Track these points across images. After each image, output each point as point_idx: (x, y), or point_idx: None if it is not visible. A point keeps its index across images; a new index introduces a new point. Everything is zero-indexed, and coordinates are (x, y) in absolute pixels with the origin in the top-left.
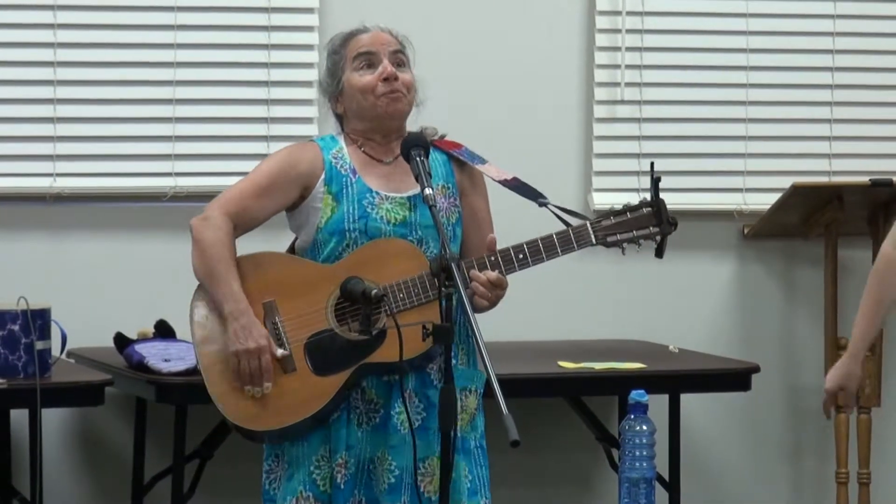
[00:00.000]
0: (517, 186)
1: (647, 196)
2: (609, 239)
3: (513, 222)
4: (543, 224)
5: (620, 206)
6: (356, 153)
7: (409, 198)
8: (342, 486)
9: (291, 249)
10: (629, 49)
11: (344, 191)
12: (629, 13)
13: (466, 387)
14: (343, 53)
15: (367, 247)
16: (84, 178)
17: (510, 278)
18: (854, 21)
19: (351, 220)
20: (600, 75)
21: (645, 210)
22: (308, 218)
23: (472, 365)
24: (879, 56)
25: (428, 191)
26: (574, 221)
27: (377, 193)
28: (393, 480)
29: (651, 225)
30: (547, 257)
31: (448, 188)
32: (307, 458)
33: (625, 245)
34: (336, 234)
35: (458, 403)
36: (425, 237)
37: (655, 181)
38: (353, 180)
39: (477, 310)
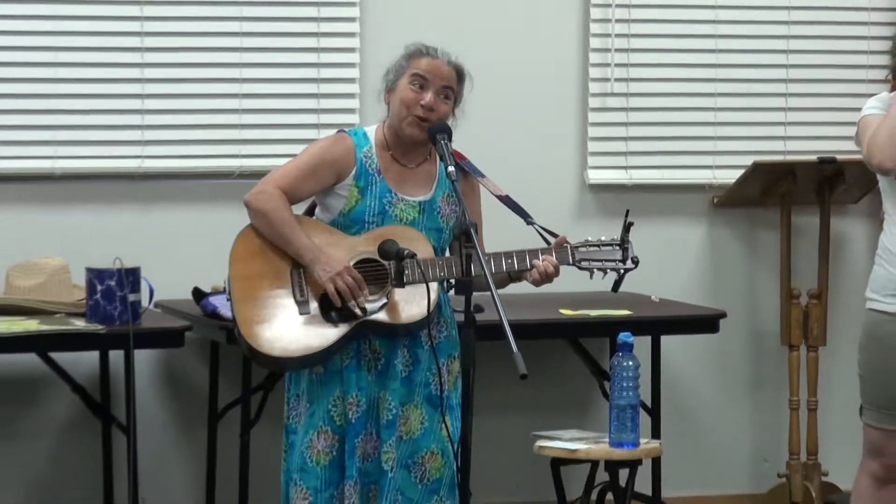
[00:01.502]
0: (509, 203)
1: (620, 232)
2: (583, 263)
3: (495, 232)
4: (522, 238)
5: (594, 240)
6: (383, 155)
7: (419, 202)
8: (353, 421)
9: (309, 212)
10: (618, 50)
11: (369, 187)
12: (618, 21)
13: (451, 353)
14: (408, 64)
15: (387, 227)
16: (166, 159)
17: None
18: (805, 26)
19: (371, 213)
20: (594, 72)
21: (615, 247)
22: (332, 200)
23: (454, 337)
24: (826, 55)
25: (451, 168)
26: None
27: (395, 194)
28: (391, 417)
29: (617, 260)
30: (530, 266)
31: (452, 197)
32: (325, 398)
33: (593, 272)
34: (357, 222)
35: (445, 367)
36: (428, 236)
37: (628, 225)
38: (378, 179)
39: (507, 282)
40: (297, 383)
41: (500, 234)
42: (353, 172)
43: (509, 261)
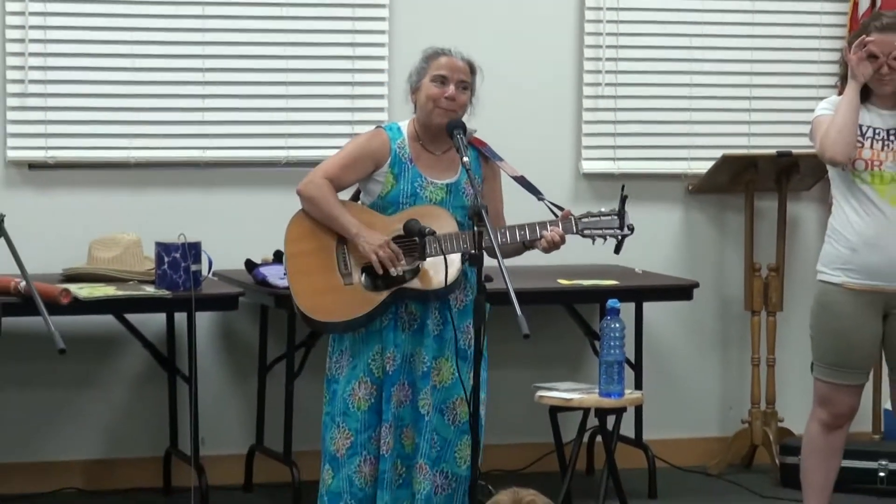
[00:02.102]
0: (523, 182)
1: (616, 204)
2: (585, 232)
3: (512, 207)
4: (531, 211)
5: (595, 211)
6: (414, 145)
7: (446, 184)
8: (390, 373)
9: (355, 197)
10: (608, 59)
11: (402, 174)
12: (608, 34)
13: (467, 320)
14: (428, 65)
15: (418, 207)
16: (223, 150)
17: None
18: (766, 39)
19: (404, 196)
20: (587, 78)
21: (613, 217)
22: (371, 186)
23: (469, 305)
24: (784, 64)
25: (466, 158)
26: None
27: (425, 179)
28: (425, 369)
29: (616, 227)
30: (540, 236)
31: (475, 181)
32: (366, 353)
33: (595, 238)
34: (392, 204)
35: (463, 328)
36: (454, 214)
37: (624, 197)
38: (410, 167)
39: (521, 251)
40: (340, 341)
41: (515, 208)
42: (389, 161)
43: (522, 232)
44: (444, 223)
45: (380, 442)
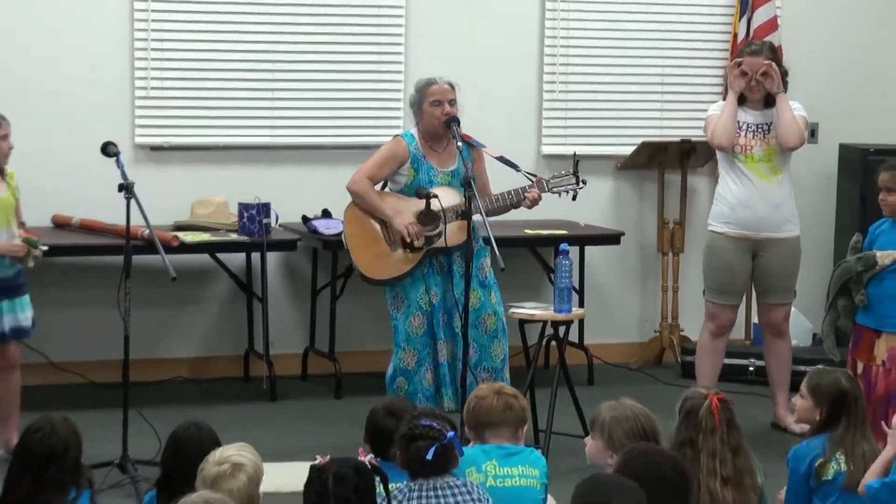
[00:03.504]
0: (504, 160)
1: (570, 167)
2: (553, 189)
3: (496, 180)
4: (511, 181)
5: (559, 172)
6: (424, 145)
7: (450, 171)
8: (436, 305)
9: (382, 186)
10: (561, 65)
11: (420, 168)
12: (561, 46)
13: (484, 255)
14: (425, 92)
15: (434, 188)
16: (286, 137)
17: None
18: (675, 59)
19: (423, 183)
20: (546, 82)
21: (570, 175)
22: (398, 178)
23: (480, 251)
24: (687, 78)
25: (460, 143)
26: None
27: (436, 169)
28: (457, 298)
29: (573, 184)
30: (524, 197)
31: (468, 164)
32: (415, 294)
33: (560, 193)
34: (415, 190)
35: (479, 265)
36: (459, 190)
37: (576, 161)
38: (424, 162)
39: (510, 209)
40: (391, 288)
41: (500, 178)
42: (409, 160)
43: (510, 196)
44: (452, 198)
45: (437, 355)
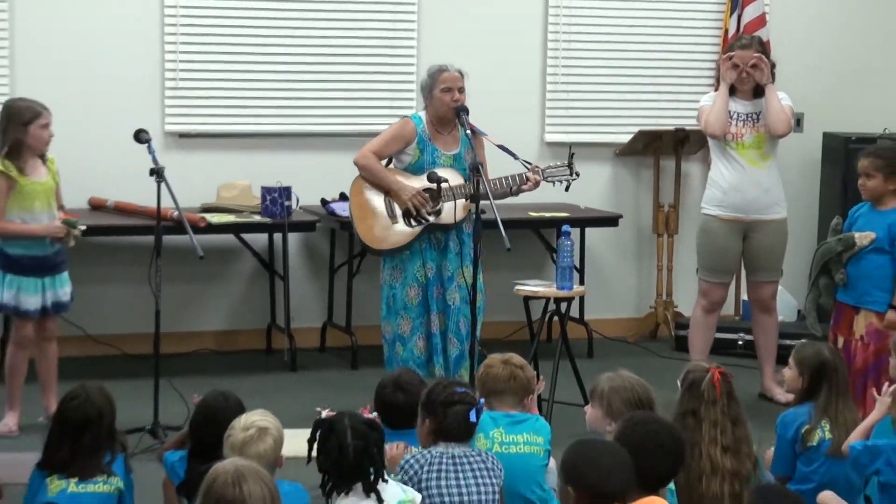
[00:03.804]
0: (504, 148)
1: (566, 159)
2: (549, 178)
3: (498, 166)
4: (509, 168)
5: (555, 164)
6: (431, 128)
7: (452, 154)
8: (430, 278)
9: (386, 164)
10: (564, 58)
11: (425, 149)
12: (563, 41)
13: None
14: (437, 78)
15: (438, 169)
16: (304, 125)
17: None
18: (671, 54)
19: (427, 164)
20: (549, 74)
21: (565, 167)
22: (404, 157)
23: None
24: (680, 70)
25: (468, 131)
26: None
27: (440, 151)
28: (450, 274)
29: (567, 175)
30: (525, 181)
31: (469, 150)
32: (412, 266)
33: (554, 182)
34: (420, 169)
35: (480, 245)
36: (461, 173)
37: (571, 154)
38: (429, 144)
39: (508, 195)
40: (391, 259)
41: (498, 165)
42: (416, 141)
43: (509, 181)
44: (454, 178)
45: (430, 325)
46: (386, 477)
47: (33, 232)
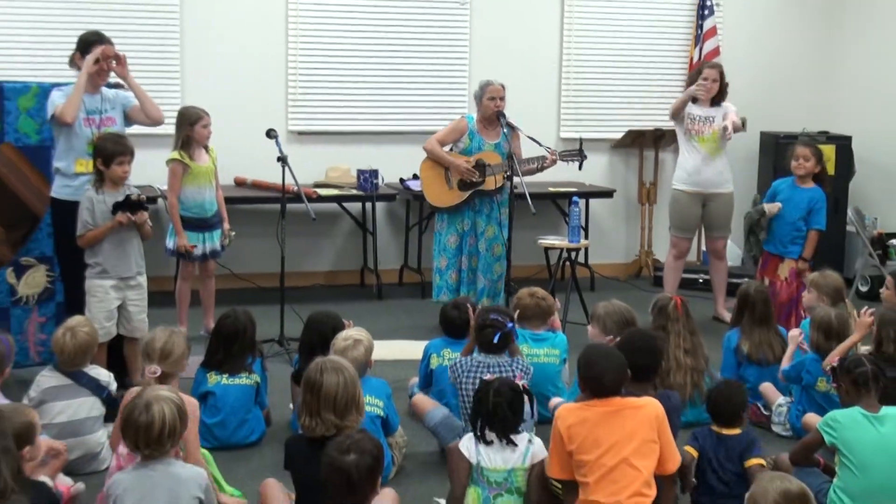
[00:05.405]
0: (531, 138)
1: (577, 145)
2: (564, 158)
3: (524, 151)
4: (534, 152)
5: (568, 150)
6: (479, 125)
7: (494, 143)
8: (465, 231)
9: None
10: (574, 62)
11: (474, 139)
12: (574, 46)
13: (504, 204)
14: (485, 89)
15: (483, 152)
16: (385, 125)
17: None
18: (653, 68)
19: (475, 149)
20: (564, 78)
21: (577, 151)
22: (459, 144)
23: (504, 201)
24: (659, 80)
25: (506, 129)
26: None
27: (484, 141)
28: (481, 230)
29: (578, 156)
30: (543, 161)
31: (507, 141)
32: (455, 221)
33: (568, 162)
34: (470, 152)
35: (501, 209)
36: (500, 155)
37: (580, 142)
38: (477, 135)
39: (536, 171)
40: (441, 216)
41: (528, 151)
42: (468, 133)
43: (536, 161)
44: (495, 160)
45: (461, 263)
46: (519, 429)
47: (176, 224)
